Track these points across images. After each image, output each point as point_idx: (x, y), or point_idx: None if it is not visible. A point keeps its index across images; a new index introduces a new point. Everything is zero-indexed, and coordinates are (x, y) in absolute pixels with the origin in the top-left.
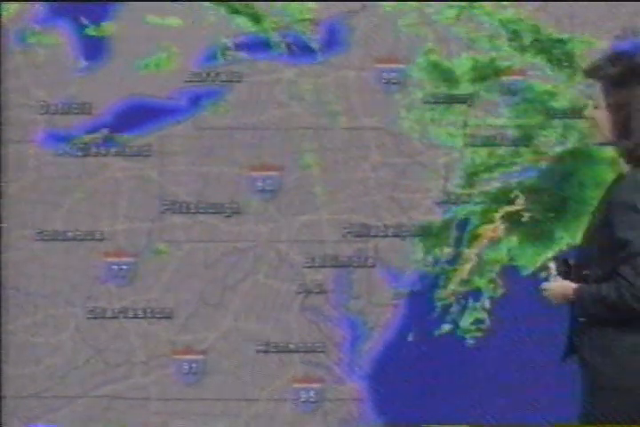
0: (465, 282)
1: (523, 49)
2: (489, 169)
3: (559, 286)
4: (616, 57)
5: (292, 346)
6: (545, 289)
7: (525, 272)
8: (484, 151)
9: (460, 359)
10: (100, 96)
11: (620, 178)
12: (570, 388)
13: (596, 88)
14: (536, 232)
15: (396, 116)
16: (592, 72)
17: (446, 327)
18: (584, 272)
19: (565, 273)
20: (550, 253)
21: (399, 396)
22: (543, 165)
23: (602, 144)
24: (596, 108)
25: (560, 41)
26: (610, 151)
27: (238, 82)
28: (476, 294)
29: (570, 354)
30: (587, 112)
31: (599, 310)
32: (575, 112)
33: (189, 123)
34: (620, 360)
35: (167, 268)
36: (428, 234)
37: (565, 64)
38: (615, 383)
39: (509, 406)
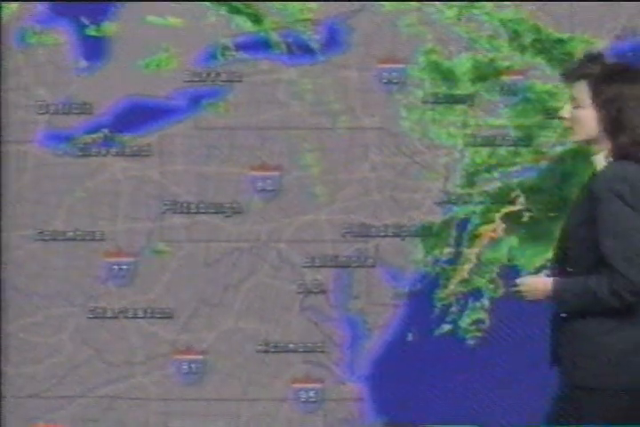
0: (465, 282)
1: (523, 49)
2: (489, 169)
3: (537, 281)
4: (592, 57)
5: (291, 346)
6: (520, 284)
7: (525, 272)
8: (484, 151)
9: (459, 359)
10: (100, 96)
11: (595, 174)
12: None
13: (574, 89)
14: (536, 232)
15: (396, 116)
16: (573, 74)
17: (446, 327)
18: (568, 269)
19: None
20: (550, 253)
21: (399, 396)
22: (543, 165)
23: (580, 142)
24: (576, 107)
25: (560, 41)
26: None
27: (238, 82)
28: (476, 294)
29: (555, 364)
30: (564, 113)
31: (584, 305)
32: None
33: (189, 123)
34: (609, 364)
35: (167, 268)
36: (427, 234)
37: (565, 64)
38: (603, 385)
39: (509, 407)
